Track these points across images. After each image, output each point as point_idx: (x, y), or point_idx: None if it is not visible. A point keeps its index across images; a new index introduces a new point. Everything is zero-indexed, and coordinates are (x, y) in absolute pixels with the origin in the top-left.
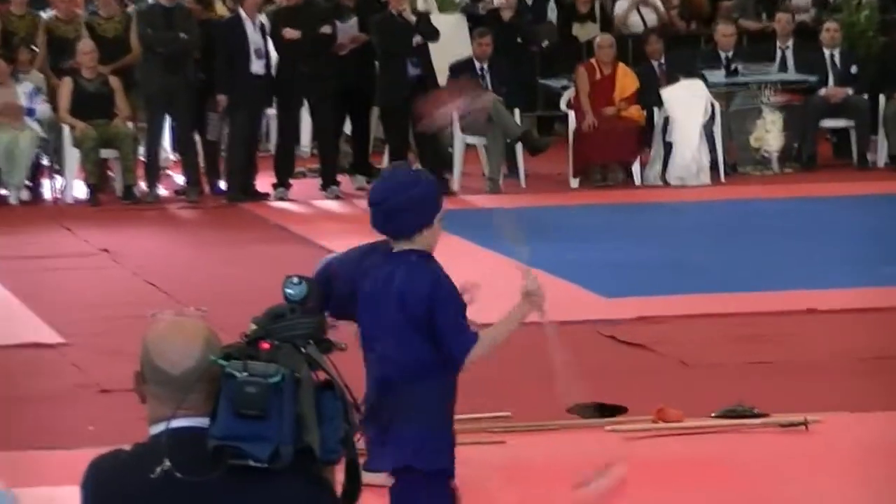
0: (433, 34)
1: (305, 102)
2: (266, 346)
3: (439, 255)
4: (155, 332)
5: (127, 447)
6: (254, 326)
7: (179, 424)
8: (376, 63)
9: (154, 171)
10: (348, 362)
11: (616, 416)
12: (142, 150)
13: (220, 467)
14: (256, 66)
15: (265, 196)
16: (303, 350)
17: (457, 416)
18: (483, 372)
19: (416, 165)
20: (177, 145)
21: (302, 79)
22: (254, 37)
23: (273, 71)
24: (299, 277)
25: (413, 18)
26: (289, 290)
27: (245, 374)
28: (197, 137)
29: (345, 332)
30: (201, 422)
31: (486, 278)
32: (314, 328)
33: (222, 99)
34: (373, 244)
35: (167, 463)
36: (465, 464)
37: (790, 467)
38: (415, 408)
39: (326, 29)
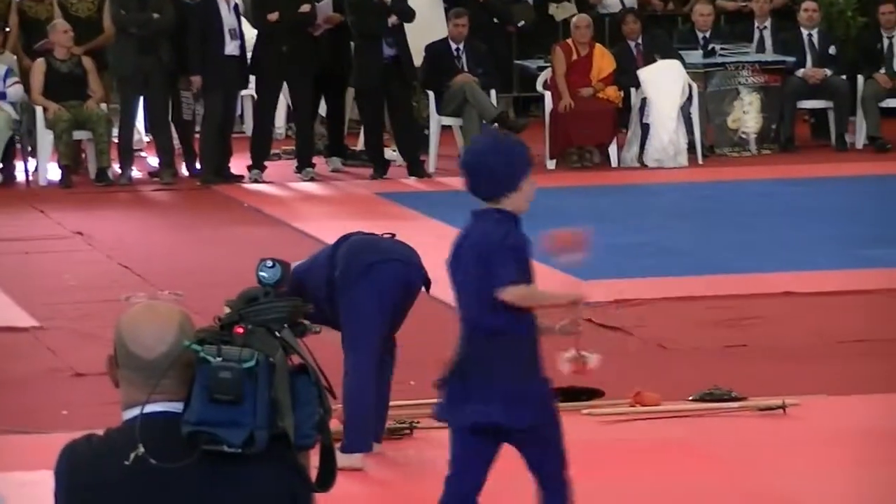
0: (409, 14)
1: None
2: (240, 330)
3: (417, 238)
4: (128, 316)
5: (100, 432)
6: (227, 310)
7: (153, 410)
8: (351, 44)
9: (128, 153)
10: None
11: (593, 400)
12: (115, 131)
13: (194, 453)
14: (230, 47)
15: (240, 178)
16: (277, 334)
17: (430, 400)
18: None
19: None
20: (150, 127)
21: (281, 59)
22: (228, 18)
23: (248, 52)
24: (273, 260)
25: None
26: (262, 273)
27: (219, 358)
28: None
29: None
30: (175, 407)
31: None
32: (289, 311)
33: (196, 80)
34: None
35: (141, 449)
36: (439, 447)
37: (768, 451)
38: (496, 364)
39: (306, 7)
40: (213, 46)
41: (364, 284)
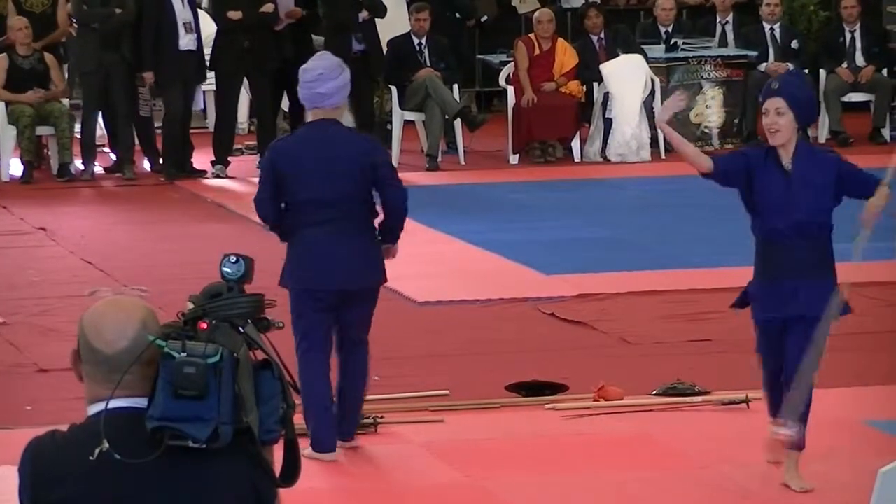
0: (380, 10)
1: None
2: (204, 325)
3: None
4: (92, 312)
5: (63, 428)
6: (191, 305)
7: (116, 405)
8: (313, 37)
9: (90, 149)
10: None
11: (556, 395)
12: (78, 127)
13: (158, 448)
14: (185, 41)
15: (202, 173)
16: (241, 329)
17: (394, 395)
18: (421, 350)
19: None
20: (111, 122)
21: (241, 54)
22: (182, 12)
23: (203, 46)
24: (237, 256)
25: None
26: (226, 269)
27: (184, 354)
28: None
29: (282, 310)
30: (139, 402)
31: (426, 256)
32: (252, 307)
33: (149, 76)
34: None
35: (105, 444)
36: (403, 442)
37: (731, 445)
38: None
39: (269, 7)
40: (167, 41)
41: None
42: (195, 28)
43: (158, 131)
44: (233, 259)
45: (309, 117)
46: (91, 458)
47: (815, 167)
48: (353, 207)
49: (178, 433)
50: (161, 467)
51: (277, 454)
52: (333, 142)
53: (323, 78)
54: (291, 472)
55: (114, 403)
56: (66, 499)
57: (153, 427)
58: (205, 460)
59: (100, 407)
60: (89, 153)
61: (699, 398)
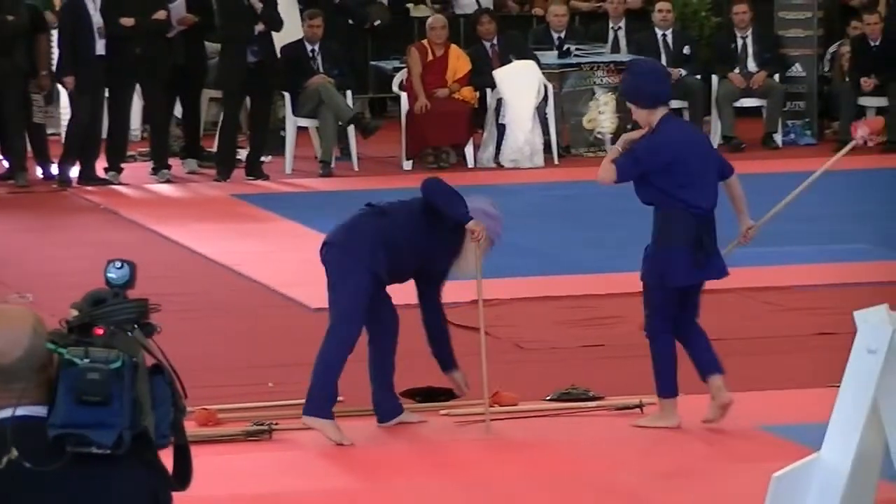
0: (277, 23)
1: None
2: (100, 331)
3: (272, 239)
4: None
5: None
6: (75, 312)
7: (16, 413)
8: (206, 44)
9: None
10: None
11: (451, 400)
12: None
13: (64, 456)
14: (100, 47)
15: (107, 181)
16: (129, 334)
17: (289, 401)
18: (315, 356)
19: (246, 150)
20: (3, 130)
21: (134, 61)
22: (96, 16)
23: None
24: (122, 261)
25: (260, 5)
26: (111, 275)
27: (87, 360)
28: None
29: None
30: (38, 410)
31: (319, 262)
32: (138, 312)
33: (69, 80)
34: None
35: (14, 452)
36: (295, 448)
37: (624, 449)
38: None
39: (161, 14)
40: (83, 47)
41: None
42: (106, 33)
43: (54, 137)
44: (118, 265)
45: None
46: (1, 461)
47: None
48: None
49: (83, 439)
50: (66, 475)
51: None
52: None
53: None
54: (184, 476)
55: (7, 413)
56: None
57: (56, 434)
58: (107, 466)
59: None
60: None
61: (593, 403)
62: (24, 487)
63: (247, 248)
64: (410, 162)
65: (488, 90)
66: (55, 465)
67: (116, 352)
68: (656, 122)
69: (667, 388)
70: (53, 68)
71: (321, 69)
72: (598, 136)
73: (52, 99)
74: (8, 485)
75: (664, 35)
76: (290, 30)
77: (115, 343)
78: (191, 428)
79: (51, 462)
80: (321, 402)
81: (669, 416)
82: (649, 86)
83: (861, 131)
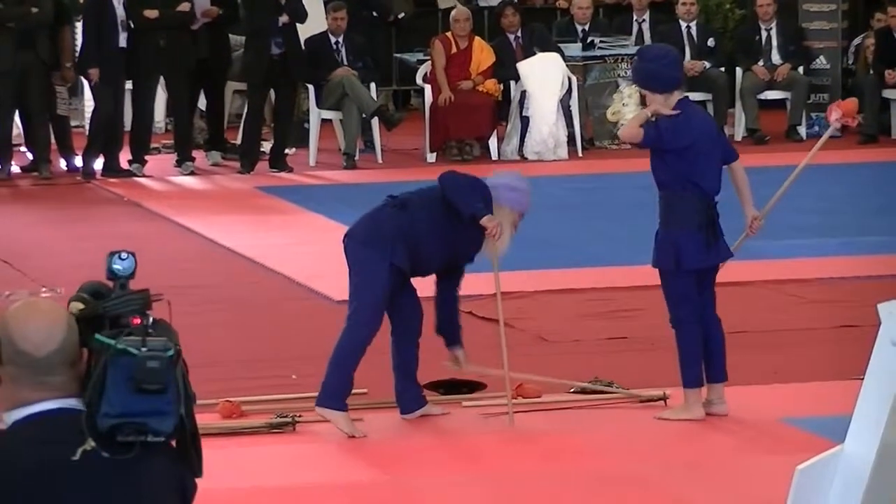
0: (301, 15)
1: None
2: (138, 321)
3: (296, 231)
4: (14, 314)
5: None
6: (80, 305)
7: (49, 407)
8: (230, 37)
9: (6, 148)
10: None
11: (474, 393)
12: None
13: (132, 446)
14: (122, 40)
15: (131, 173)
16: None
17: (313, 394)
18: None
19: (270, 142)
20: (27, 121)
21: (157, 53)
22: (119, 9)
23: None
24: (127, 252)
25: None
26: (116, 266)
27: (145, 349)
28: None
29: (187, 306)
30: (70, 403)
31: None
32: (143, 303)
33: (94, 72)
34: None
35: (91, 443)
36: (318, 440)
37: (649, 441)
38: None
39: (185, 6)
40: (107, 40)
41: None
42: (129, 26)
43: (78, 129)
44: (123, 256)
45: None
46: (74, 458)
47: None
48: None
49: (142, 428)
50: (122, 465)
51: None
52: None
53: None
54: (199, 463)
55: (45, 406)
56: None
57: (112, 425)
58: (149, 455)
59: (31, 409)
60: (5, 152)
61: (617, 395)
62: (95, 479)
63: (270, 241)
64: (434, 154)
65: (512, 83)
66: (129, 454)
67: (166, 340)
68: (674, 105)
69: (692, 378)
70: (77, 61)
71: (345, 61)
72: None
73: (76, 91)
74: (81, 478)
75: (688, 27)
76: (314, 22)
77: (158, 332)
78: (215, 420)
79: (122, 452)
80: (335, 393)
81: (694, 407)
82: (664, 70)
83: (835, 114)
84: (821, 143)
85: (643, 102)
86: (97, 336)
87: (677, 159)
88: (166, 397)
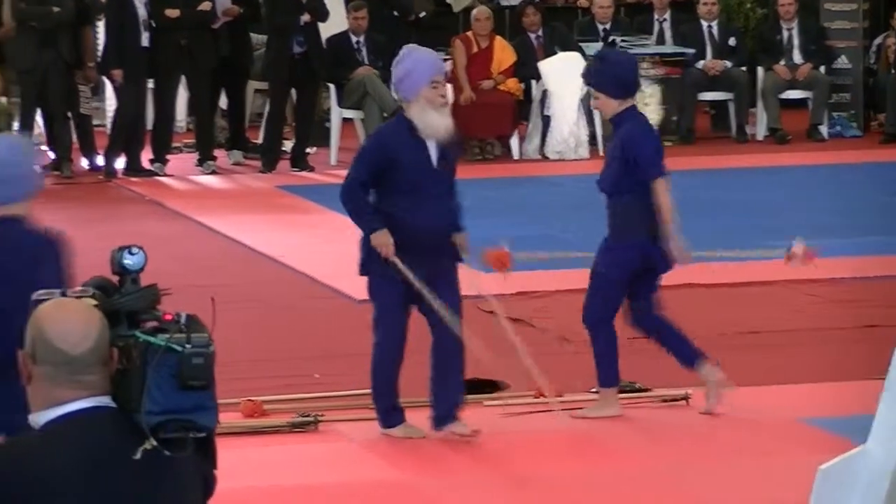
0: (323, 14)
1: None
2: (169, 316)
3: (317, 230)
4: (48, 314)
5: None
6: (94, 301)
7: (84, 405)
8: (252, 36)
9: None
10: None
11: (496, 392)
12: (16, 125)
13: (185, 443)
14: (144, 39)
15: (153, 173)
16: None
17: (334, 393)
18: (361, 348)
19: (291, 141)
20: (49, 120)
21: (179, 52)
22: (141, 9)
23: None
24: (137, 247)
25: None
26: (128, 261)
27: (189, 346)
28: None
29: (208, 305)
30: (104, 401)
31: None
32: (154, 298)
33: (117, 73)
34: None
35: (153, 441)
36: (340, 439)
37: (671, 441)
38: None
39: (206, 5)
40: (130, 39)
41: None
42: (150, 26)
43: (100, 128)
44: (133, 250)
45: None
46: (135, 457)
47: (616, 140)
48: None
49: (188, 424)
50: (166, 461)
51: None
52: None
53: None
54: (216, 455)
55: (83, 404)
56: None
57: (157, 422)
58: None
59: (67, 408)
60: None
61: (639, 395)
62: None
63: (291, 240)
64: None
65: (533, 82)
66: (186, 451)
67: (206, 336)
68: (621, 112)
69: (610, 377)
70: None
71: (366, 61)
72: None
73: (98, 90)
74: (127, 474)
75: (709, 26)
76: (336, 21)
77: (192, 327)
78: (237, 419)
79: (179, 449)
80: (385, 413)
81: (611, 405)
82: (623, 75)
83: (794, 262)
84: (750, 257)
85: (664, 102)
86: (137, 334)
87: (632, 168)
88: (210, 392)
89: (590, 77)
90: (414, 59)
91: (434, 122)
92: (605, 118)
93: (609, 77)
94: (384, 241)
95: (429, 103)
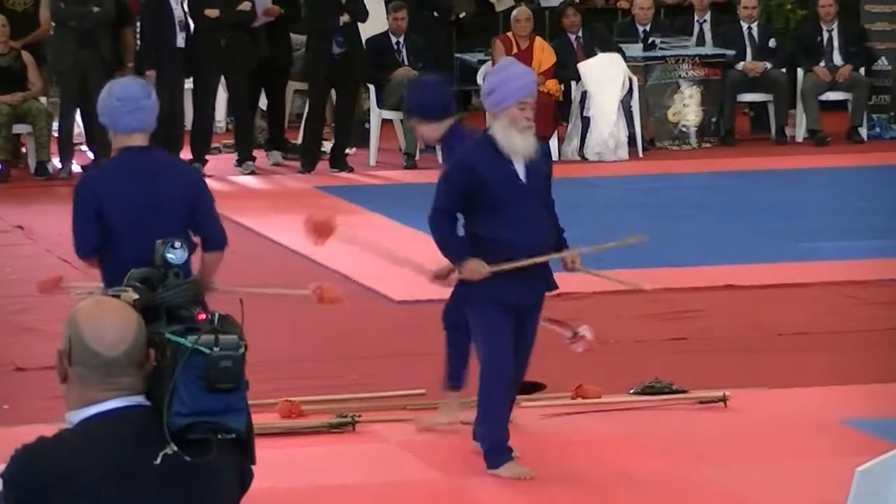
0: (362, 14)
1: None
2: (203, 316)
3: (357, 232)
4: (86, 313)
5: (45, 429)
6: (134, 295)
7: (118, 405)
8: (291, 36)
9: (68, 147)
10: None
11: (534, 393)
12: (55, 125)
13: (210, 447)
14: (179, 39)
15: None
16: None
17: (372, 394)
18: (399, 348)
19: (330, 142)
20: (88, 121)
21: (219, 53)
22: (177, 9)
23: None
24: (179, 241)
25: None
26: (171, 255)
27: (217, 348)
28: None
29: (247, 306)
30: (137, 400)
31: (404, 253)
32: (196, 291)
33: (151, 73)
34: None
35: (173, 447)
36: (378, 440)
37: (708, 443)
38: None
39: (246, 6)
40: (165, 40)
41: None
42: (186, 26)
43: None
44: (176, 245)
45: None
46: (156, 461)
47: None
48: None
49: (217, 426)
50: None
51: None
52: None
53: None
54: (254, 450)
55: (117, 403)
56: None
57: (185, 423)
58: (219, 450)
59: (101, 407)
60: (67, 151)
61: (677, 396)
62: (176, 481)
63: (330, 241)
64: None
65: (573, 83)
66: (210, 455)
67: (236, 337)
68: (442, 135)
69: (456, 379)
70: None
71: (406, 62)
72: (683, 129)
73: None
74: (163, 474)
75: (749, 28)
76: (375, 22)
77: (227, 328)
78: (275, 420)
79: (202, 454)
80: (491, 453)
81: (452, 410)
82: (435, 98)
83: (580, 346)
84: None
85: (704, 104)
86: (167, 334)
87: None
88: (239, 394)
89: (412, 109)
90: (508, 73)
91: (515, 144)
92: (430, 143)
93: (422, 102)
94: (474, 268)
95: (513, 123)
